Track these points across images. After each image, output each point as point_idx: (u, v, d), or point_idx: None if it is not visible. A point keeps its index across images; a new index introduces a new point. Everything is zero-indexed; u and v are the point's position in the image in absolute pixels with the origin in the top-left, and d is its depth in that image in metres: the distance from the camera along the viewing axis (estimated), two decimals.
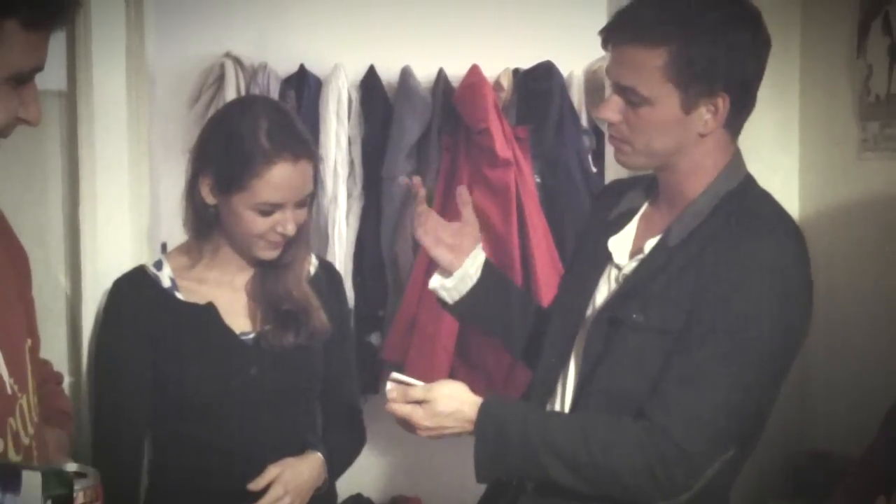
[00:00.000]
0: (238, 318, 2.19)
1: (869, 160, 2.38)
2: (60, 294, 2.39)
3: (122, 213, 2.42)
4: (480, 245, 2.10)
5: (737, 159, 1.90)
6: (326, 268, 2.34)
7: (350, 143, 4.11)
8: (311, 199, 2.15)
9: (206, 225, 2.15)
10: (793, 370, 2.64)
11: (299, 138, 2.10)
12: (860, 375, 2.39)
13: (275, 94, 4.04)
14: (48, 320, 2.21)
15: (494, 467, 1.84)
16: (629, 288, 1.85)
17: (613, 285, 1.90)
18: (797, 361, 2.63)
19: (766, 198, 1.91)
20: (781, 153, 2.66)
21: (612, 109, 1.83)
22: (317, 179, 2.17)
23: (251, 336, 2.18)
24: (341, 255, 4.02)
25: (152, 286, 2.17)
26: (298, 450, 2.16)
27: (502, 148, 3.91)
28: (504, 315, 2.16)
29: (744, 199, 1.87)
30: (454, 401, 1.85)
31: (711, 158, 1.86)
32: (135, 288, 2.18)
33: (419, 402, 1.85)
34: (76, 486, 1.52)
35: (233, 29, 4.12)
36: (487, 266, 2.11)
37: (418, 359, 3.88)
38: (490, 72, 4.00)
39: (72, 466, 1.57)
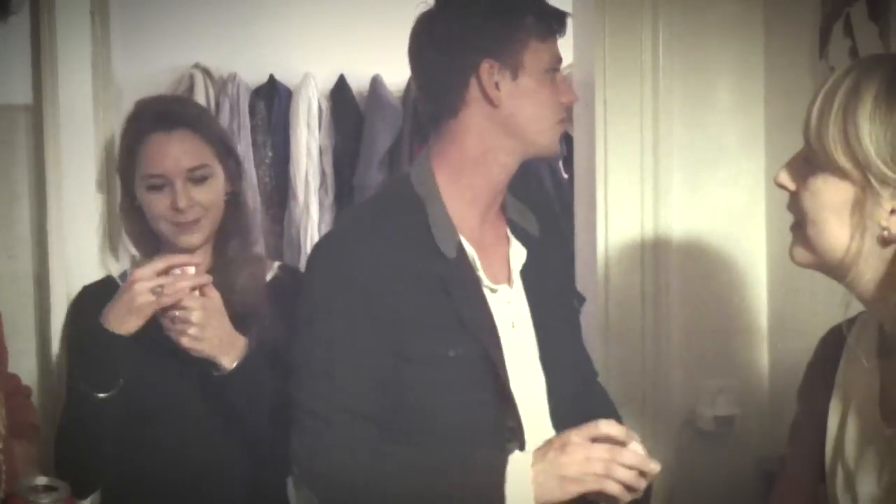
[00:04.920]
0: None
1: None
2: (29, 307, 2.38)
3: (90, 227, 2.42)
4: None
5: None
6: (289, 272, 2.29)
7: (321, 152, 4.12)
8: (215, 180, 2.12)
9: (140, 229, 2.16)
10: (763, 376, 2.68)
11: (171, 113, 2.13)
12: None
13: (244, 104, 4.05)
14: (16, 334, 2.20)
15: None
16: (531, 281, 1.85)
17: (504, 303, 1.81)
18: (767, 365, 2.67)
19: None
20: (748, 157, 2.67)
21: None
22: (222, 151, 2.15)
23: None
24: None
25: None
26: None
27: None
28: None
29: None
30: None
31: None
32: (105, 292, 2.12)
33: None
34: (46, 500, 1.52)
35: (202, 40, 4.12)
36: None
37: None
38: None
39: (42, 480, 1.57)
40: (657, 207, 2.62)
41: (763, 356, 2.68)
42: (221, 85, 4.07)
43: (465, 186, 1.79)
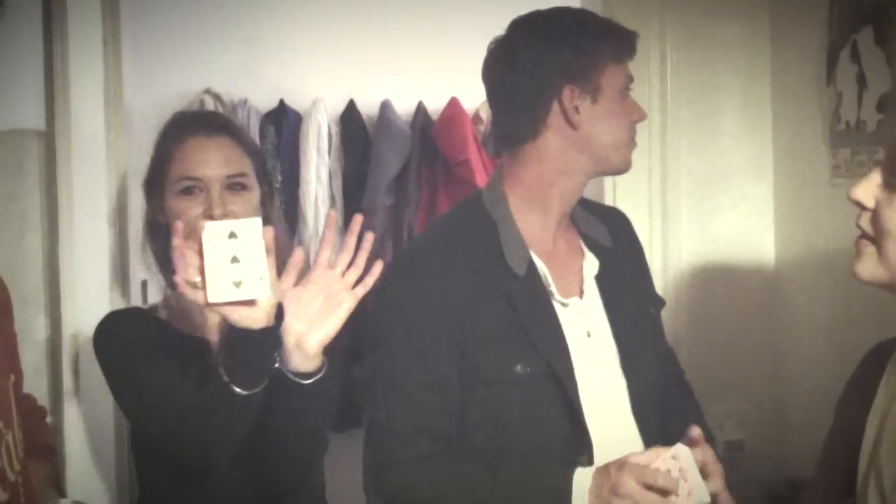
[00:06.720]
0: None
1: (841, 186, 2.41)
2: (40, 332, 2.39)
3: (101, 252, 2.43)
4: None
5: None
6: None
7: (331, 176, 4.13)
8: (251, 195, 1.99)
9: (164, 247, 1.93)
10: (770, 398, 2.68)
11: (211, 117, 2.07)
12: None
13: (255, 129, 4.06)
14: (28, 358, 2.22)
15: None
16: (607, 290, 1.86)
17: (578, 315, 1.83)
18: (774, 390, 2.67)
19: None
20: (756, 181, 2.69)
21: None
22: (259, 169, 2.04)
23: None
24: None
25: (151, 318, 2.03)
26: None
27: (482, 180, 3.92)
28: None
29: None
30: None
31: None
32: (135, 315, 2.06)
33: None
34: None
35: (213, 65, 4.13)
36: None
37: None
38: (469, 104, 4.03)
39: (66, 502, 1.57)
40: (665, 231, 2.63)
41: (771, 381, 2.69)
42: (232, 110, 4.07)
43: (538, 207, 1.83)
